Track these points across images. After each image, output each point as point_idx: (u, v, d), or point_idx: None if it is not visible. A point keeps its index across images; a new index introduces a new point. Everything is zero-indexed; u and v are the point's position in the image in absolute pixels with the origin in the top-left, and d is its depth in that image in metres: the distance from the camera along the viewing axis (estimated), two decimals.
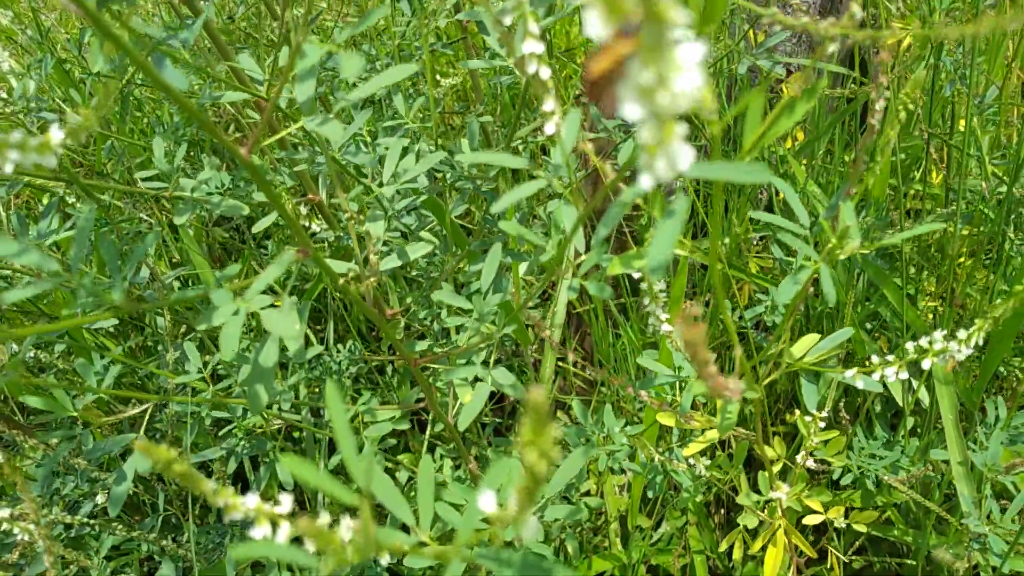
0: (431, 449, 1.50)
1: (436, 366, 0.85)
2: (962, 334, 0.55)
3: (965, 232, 1.38)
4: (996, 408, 1.16)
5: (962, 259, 1.49)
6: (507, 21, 0.37)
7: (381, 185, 0.75)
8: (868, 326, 1.56)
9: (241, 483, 1.49)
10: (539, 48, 0.39)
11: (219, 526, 1.30)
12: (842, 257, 0.49)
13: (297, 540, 0.40)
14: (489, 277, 0.72)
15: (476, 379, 0.64)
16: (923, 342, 0.56)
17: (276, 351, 0.57)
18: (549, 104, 0.41)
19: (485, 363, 0.88)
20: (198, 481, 0.32)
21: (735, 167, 0.30)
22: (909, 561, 1.29)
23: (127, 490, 0.66)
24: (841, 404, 1.24)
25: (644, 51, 0.18)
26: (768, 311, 1.32)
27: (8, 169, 0.38)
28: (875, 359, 0.58)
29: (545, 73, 0.40)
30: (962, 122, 1.44)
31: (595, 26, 0.21)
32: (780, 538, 0.77)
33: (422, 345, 0.98)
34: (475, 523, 0.33)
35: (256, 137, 0.49)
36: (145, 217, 1.44)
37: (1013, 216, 1.35)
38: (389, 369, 1.54)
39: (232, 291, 0.51)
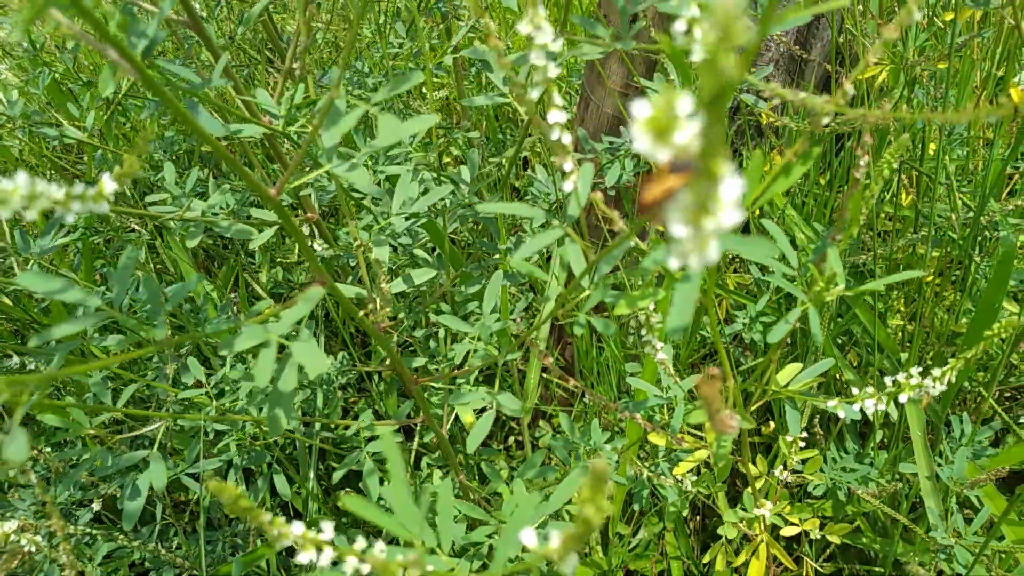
0: (418, 458, 1.54)
1: (434, 385, 0.89)
2: (936, 371, 0.60)
3: (936, 254, 1.45)
4: (961, 423, 1.22)
5: (930, 277, 1.55)
6: (534, 95, 0.41)
7: (387, 214, 0.78)
8: (840, 340, 1.61)
9: None
10: (563, 117, 0.42)
11: (207, 532, 1.33)
12: (829, 299, 0.53)
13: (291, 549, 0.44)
14: (491, 303, 0.76)
15: (483, 407, 0.67)
16: (900, 377, 0.61)
17: (295, 378, 0.60)
18: (568, 164, 0.44)
19: (479, 382, 0.91)
20: (258, 514, 0.35)
21: (744, 242, 0.34)
22: (877, 568, 1.34)
23: (140, 505, 0.69)
24: (816, 420, 1.30)
25: (695, 192, 0.21)
26: (745, 328, 1.37)
27: (70, 219, 0.41)
28: (856, 391, 0.63)
29: (567, 139, 0.43)
30: (932, 146, 1.50)
31: (643, 144, 0.25)
32: (762, 551, 0.82)
33: (419, 361, 1.01)
34: (509, 554, 0.36)
35: (284, 181, 0.52)
36: (136, 226, 1.45)
37: (979, 239, 1.41)
38: (376, 377, 1.57)
39: (261, 322, 0.54)
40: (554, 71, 0.40)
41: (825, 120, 0.44)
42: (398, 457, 0.33)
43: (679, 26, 0.37)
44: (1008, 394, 1.68)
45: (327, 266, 1.37)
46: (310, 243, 0.97)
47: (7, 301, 1.49)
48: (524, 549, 0.46)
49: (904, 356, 1.39)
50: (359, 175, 0.52)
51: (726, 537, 0.94)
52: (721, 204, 0.22)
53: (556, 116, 0.42)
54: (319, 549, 0.40)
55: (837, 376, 1.50)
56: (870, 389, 0.62)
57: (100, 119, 1.21)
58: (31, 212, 0.38)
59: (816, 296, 0.53)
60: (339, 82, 0.47)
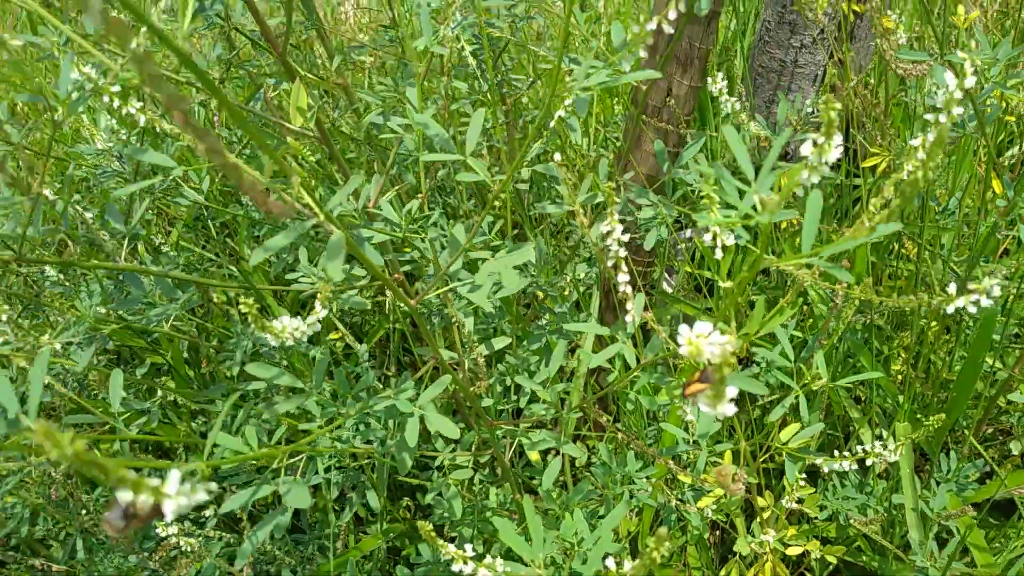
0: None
1: (508, 426, 1.09)
2: (892, 444, 0.79)
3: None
4: (948, 460, 1.41)
5: (928, 322, 1.74)
6: (604, 230, 0.61)
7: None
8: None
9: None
10: (627, 279, 0.63)
11: (297, 535, 1.56)
12: (815, 388, 0.73)
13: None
14: (554, 368, 0.97)
15: (556, 451, 0.88)
16: (868, 447, 0.81)
17: (416, 433, 0.81)
18: (630, 305, 0.65)
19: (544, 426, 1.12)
20: (440, 545, 0.56)
21: (742, 381, 0.55)
22: None
23: (289, 521, 0.90)
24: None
25: (712, 393, 0.42)
26: (762, 371, 1.57)
27: (290, 343, 0.62)
28: (836, 452, 0.83)
29: (630, 290, 0.64)
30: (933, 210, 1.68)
31: (685, 352, 0.46)
32: (768, 569, 1.01)
33: (487, 402, 1.22)
34: (595, 570, 0.57)
35: (424, 295, 0.74)
36: (234, 270, 1.68)
37: None
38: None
39: (407, 395, 0.76)
40: (623, 252, 0.61)
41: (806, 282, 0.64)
42: (533, 512, 0.54)
43: (707, 237, 0.57)
44: (1002, 428, 1.86)
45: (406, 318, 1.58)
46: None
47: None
48: (600, 572, 0.67)
49: (901, 399, 1.58)
50: (479, 296, 0.73)
51: (740, 553, 1.14)
52: (727, 398, 0.42)
53: (623, 278, 0.62)
54: (464, 562, 0.61)
55: (844, 412, 1.69)
56: (848, 453, 0.82)
57: (214, 185, 1.43)
58: (290, 340, 0.59)
59: (805, 388, 0.72)
60: (470, 239, 0.69)
